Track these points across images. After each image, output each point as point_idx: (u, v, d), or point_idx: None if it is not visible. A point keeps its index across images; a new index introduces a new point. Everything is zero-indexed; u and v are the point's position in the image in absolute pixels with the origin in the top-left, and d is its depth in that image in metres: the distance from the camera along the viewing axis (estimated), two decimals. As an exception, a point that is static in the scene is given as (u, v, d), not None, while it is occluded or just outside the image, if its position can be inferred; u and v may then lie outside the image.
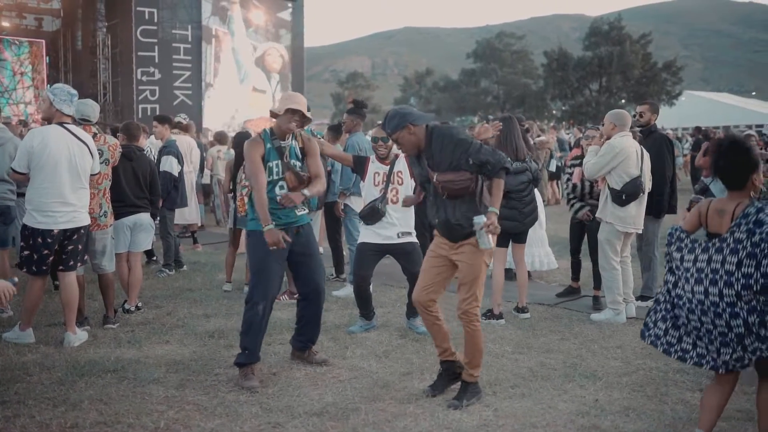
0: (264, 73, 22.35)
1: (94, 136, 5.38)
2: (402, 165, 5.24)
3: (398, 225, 5.22)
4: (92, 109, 5.57)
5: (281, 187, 4.34)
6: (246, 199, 4.62)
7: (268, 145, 4.32)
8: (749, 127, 35.20)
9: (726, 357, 3.09)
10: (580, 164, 6.41)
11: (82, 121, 5.51)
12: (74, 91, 4.99)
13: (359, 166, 5.35)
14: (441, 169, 3.81)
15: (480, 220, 3.72)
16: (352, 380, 4.27)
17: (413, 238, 5.31)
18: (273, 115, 4.40)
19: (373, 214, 5.17)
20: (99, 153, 5.26)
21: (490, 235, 3.73)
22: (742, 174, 3.13)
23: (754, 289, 2.97)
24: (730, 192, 3.20)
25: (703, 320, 3.10)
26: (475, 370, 3.97)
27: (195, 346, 5.00)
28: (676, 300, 3.22)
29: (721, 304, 3.02)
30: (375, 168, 5.30)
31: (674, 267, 3.26)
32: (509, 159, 5.65)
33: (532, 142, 6.17)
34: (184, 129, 9.41)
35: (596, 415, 3.76)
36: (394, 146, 4.66)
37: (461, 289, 3.91)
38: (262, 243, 4.20)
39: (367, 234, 5.28)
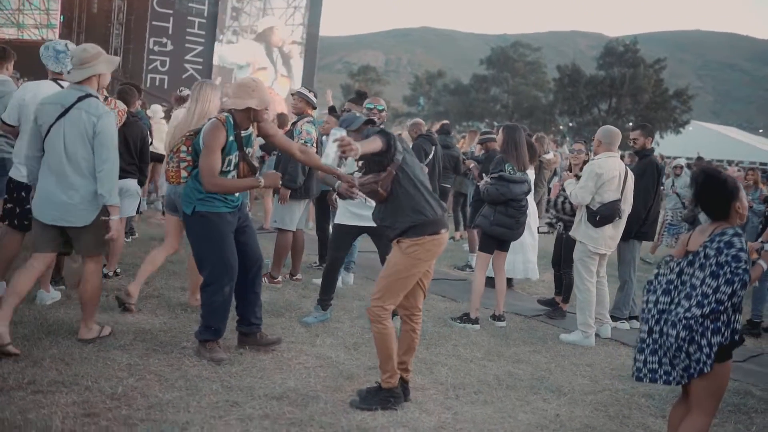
0: (265, 49, 22.21)
1: (105, 99, 5.32)
2: None
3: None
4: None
5: (233, 177, 4.22)
6: (184, 173, 4.27)
7: (231, 138, 4.12)
8: (753, 163, 35.18)
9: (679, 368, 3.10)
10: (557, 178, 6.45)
11: None
12: (61, 48, 4.85)
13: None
14: (362, 173, 3.83)
15: (337, 131, 3.32)
16: (317, 368, 4.26)
17: None
18: (248, 109, 4.12)
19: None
20: None
21: (335, 154, 3.32)
22: (722, 204, 3.18)
23: (704, 310, 3.00)
24: (714, 221, 3.23)
25: (665, 331, 3.09)
26: (385, 375, 3.70)
27: (166, 317, 4.98)
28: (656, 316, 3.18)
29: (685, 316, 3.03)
30: None
31: (649, 283, 3.26)
32: (514, 167, 5.63)
33: (539, 153, 6.17)
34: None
35: (554, 429, 3.75)
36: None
37: (375, 284, 3.82)
38: (215, 224, 4.15)
39: (345, 215, 5.27)
